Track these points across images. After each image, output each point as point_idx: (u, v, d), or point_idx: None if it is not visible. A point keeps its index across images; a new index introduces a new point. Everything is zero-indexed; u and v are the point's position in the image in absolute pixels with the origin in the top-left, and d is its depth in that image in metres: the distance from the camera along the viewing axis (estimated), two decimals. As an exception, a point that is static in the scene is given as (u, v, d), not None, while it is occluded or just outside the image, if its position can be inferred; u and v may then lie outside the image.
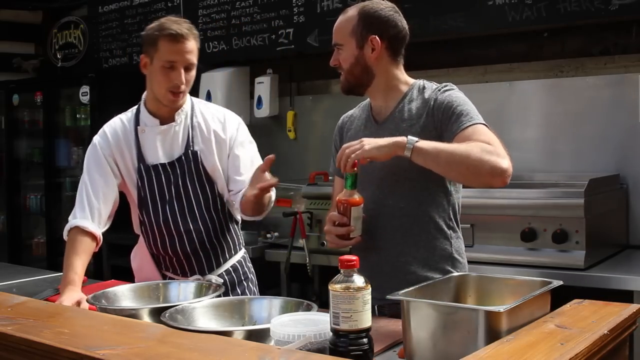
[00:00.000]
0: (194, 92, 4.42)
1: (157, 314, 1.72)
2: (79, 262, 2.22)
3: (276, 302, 1.86)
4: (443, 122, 1.98)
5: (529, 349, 1.29)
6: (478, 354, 1.28)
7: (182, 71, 2.25)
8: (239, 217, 2.49)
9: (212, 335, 1.49)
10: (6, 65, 5.71)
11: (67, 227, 2.31)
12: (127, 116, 2.43)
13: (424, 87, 2.09)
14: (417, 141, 1.87)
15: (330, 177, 3.70)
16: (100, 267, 4.63)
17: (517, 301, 1.45)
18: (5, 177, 5.51)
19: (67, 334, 1.46)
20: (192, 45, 2.26)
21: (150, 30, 2.28)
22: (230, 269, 2.45)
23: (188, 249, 2.35)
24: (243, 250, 2.55)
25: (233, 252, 2.47)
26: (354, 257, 1.44)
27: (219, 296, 1.90)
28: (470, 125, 1.93)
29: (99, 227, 2.33)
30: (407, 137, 1.88)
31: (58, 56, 5.64)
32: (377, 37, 2.05)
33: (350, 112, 2.29)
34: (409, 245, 2.01)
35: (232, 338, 1.50)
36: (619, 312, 1.53)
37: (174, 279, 2.36)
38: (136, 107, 2.43)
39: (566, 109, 3.41)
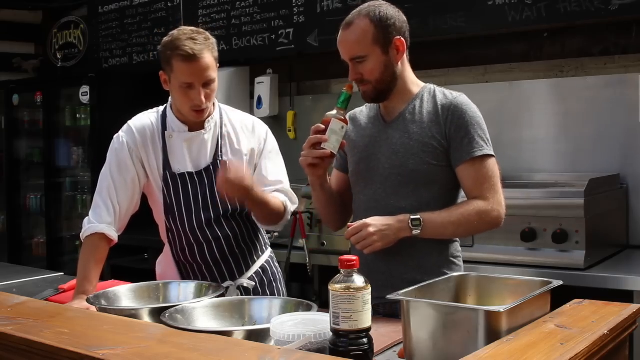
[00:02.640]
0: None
1: (157, 314, 1.72)
2: (96, 272, 2.21)
3: (276, 302, 1.86)
4: (453, 139, 2.01)
5: (529, 349, 1.29)
6: (478, 354, 1.28)
7: (201, 89, 2.17)
8: None
9: (212, 335, 1.49)
10: (6, 65, 5.70)
11: (88, 230, 2.27)
12: (154, 117, 2.35)
13: (434, 92, 2.09)
14: (421, 225, 1.95)
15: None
16: (100, 267, 4.63)
17: (517, 301, 1.45)
18: (5, 177, 5.51)
19: (67, 334, 1.46)
20: (208, 61, 2.16)
21: (164, 48, 2.20)
22: (260, 270, 2.43)
23: (217, 255, 2.32)
24: (269, 250, 2.54)
25: (260, 253, 2.45)
26: (354, 257, 1.44)
27: (219, 296, 1.90)
28: (480, 157, 2.00)
29: (117, 232, 2.30)
30: (409, 217, 1.96)
31: (58, 56, 5.64)
32: (401, 37, 2.05)
33: (356, 109, 2.29)
34: (406, 247, 2.01)
35: (232, 338, 1.50)
36: (619, 312, 1.53)
37: None
38: (162, 108, 2.36)
39: (566, 109, 3.41)
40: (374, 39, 2.02)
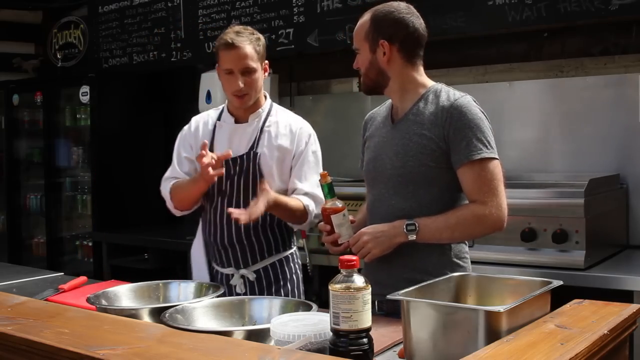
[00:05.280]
0: (195, 92, 4.45)
1: (157, 314, 1.72)
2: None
3: (276, 302, 1.86)
4: (453, 142, 2.00)
5: (529, 349, 1.29)
6: (478, 354, 1.28)
7: (240, 76, 2.38)
8: None
9: (212, 335, 1.49)
10: (6, 65, 5.71)
11: (167, 190, 2.51)
12: (214, 111, 2.61)
13: (440, 92, 2.08)
14: (416, 230, 1.98)
15: (330, 177, 3.70)
16: (100, 267, 4.64)
17: (517, 301, 1.45)
18: (5, 177, 5.51)
19: (67, 334, 1.46)
20: (248, 51, 2.38)
21: (216, 41, 2.46)
22: (277, 263, 2.51)
23: (243, 236, 2.44)
24: (293, 249, 2.60)
25: (282, 249, 2.53)
26: (354, 257, 1.44)
27: (218, 296, 1.90)
28: (479, 160, 1.98)
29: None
30: (404, 222, 1.99)
31: (58, 56, 5.65)
32: (386, 42, 2.05)
33: (376, 109, 2.32)
34: (408, 246, 2.01)
35: (232, 338, 1.50)
36: (619, 312, 1.53)
37: (220, 273, 2.50)
38: (224, 104, 2.59)
39: (566, 109, 3.41)
40: (365, 35, 2.09)
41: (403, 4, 2.11)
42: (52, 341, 1.41)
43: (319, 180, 2.09)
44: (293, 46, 4.07)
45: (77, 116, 5.01)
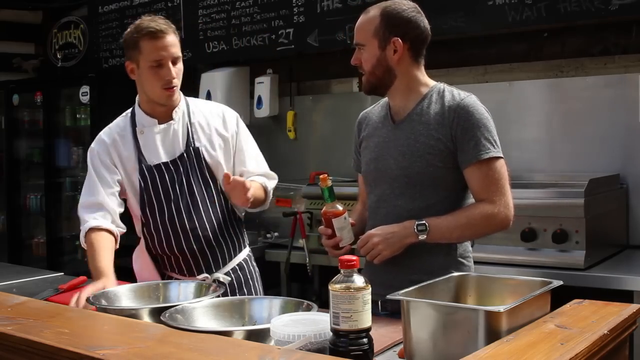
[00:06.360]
0: (195, 92, 4.45)
1: (157, 314, 1.72)
2: (105, 260, 2.18)
3: (276, 302, 1.86)
4: (460, 142, 2.01)
5: (529, 349, 1.29)
6: (478, 354, 1.28)
7: (171, 66, 2.25)
8: (242, 214, 2.50)
9: (212, 335, 1.49)
10: (6, 65, 5.70)
11: (82, 234, 2.31)
12: (122, 120, 2.43)
13: (443, 92, 2.08)
14: (427, 230, 1.97)
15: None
16: (100, 267, 4.63)
17: (517, 301, 1.45)
18: (5, 177, 5.51)
19: (67, 334, 1.46)
20: (173, 39, 2.27)
21: (129, 34, 2.30)
22: (237, 267, 2.45)
23: (194, 246, 2.35)
24: (248, 249, 2.55)
25: (238, 251, 2.47)
26: (354, 257, 1.44)
27: (218, 296, 1.90)
28: (486, 160, 1.99)
29: (113, 224, 2.32)
30: (414, 223, 1.97)
31: (58, 56, 5.64)
32: (400, 39, 2.05)
33: (370, 108, 2.30)
34: (414, 247, 2.01)
35: (232, 338, 1.50)
36: (619, 312, 1.53)
37: (179, 279, 2.35)
38: (130, 110, 2.43)
39: (566, 109, 3.41)
40: (375, 31, 2.05)
41: (411, 3, 2.10)
42: (52, 341, 1.41)
43: (319, 184, 2.04)
44: (293, 46, 4.07)
45: (77, 116, 5.01)
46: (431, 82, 2.13)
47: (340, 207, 2.04)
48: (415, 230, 1.97)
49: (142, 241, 2.44)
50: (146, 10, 4.87)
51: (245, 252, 2.52)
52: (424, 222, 1.97)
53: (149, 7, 4.84)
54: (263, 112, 4.34)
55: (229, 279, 2.35)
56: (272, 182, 2.48)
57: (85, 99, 4.81)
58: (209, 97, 4.34)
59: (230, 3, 4.36)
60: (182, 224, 2.33)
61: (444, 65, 3.69)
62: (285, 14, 4.08)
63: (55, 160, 5.15)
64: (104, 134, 2.42)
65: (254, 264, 2.56)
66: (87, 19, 5.41)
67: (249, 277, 2.48)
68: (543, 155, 3.47)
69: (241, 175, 2.34)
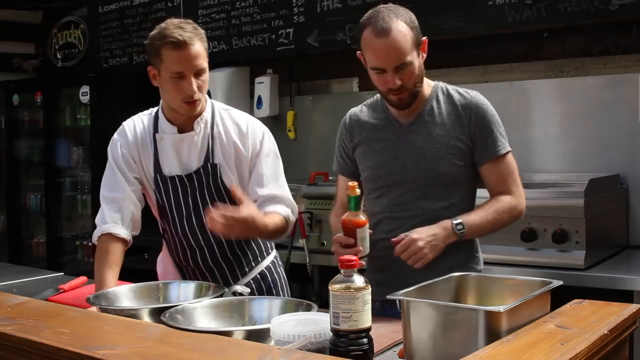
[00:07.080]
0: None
1: (157, 314, 1.72)
2: (112, 276, 2.12)
3: (276, 302, 1.86)
4: (479, 139, 2.05)
5: (529, 349, 1.29)
6: (478, 354, 1.28)
7: (193, 79, 2.10)
8: None
9: (212, 335, 1.49)
10: (6, 65, 5.70)
11: (97, 233, 2.21)
12: (147, 119, 2.30)
13: (448, 91, 2.10)
14: (463, 229, 1.97)
15: (330, 177, 3.70)
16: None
17: (517, 301, 1.45)
18: (5, 177, 5.50)
19: (67, 334, 1.46)
20: (199, 49, 2.12)
21: (152, 40, 2.15)
22: (258, 276, 2.35)
23: (210, 261, 2.27)
24: (273, 253, 2.44)
25: (260, 259, 2.36)
26: (353, 257, 1.44)
27: (218, 296, 1.90)
28: (503, 155, 2.05)
29: (129, 231, 2.23)
30: (451, 223, 1.97)
31: (58, 56, 5.64)
32: (426, 38, 2.06)
33: (355, 110, 2.24)
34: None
35: (232, 338, 1.50)
36: (619, 312, 1.53)
37: None
38: (154, 110, 2.31)
39: (566, 109, 3.41)
40: (413, 42, 1.97)
41: (395, 5, 2.08)
42: (52, 341, 1.41)
43: (347, 192, 1.88)
44: (293, 46, 4.07)
45: (77, 116, 5.01)
46: (431, 82, 2.13)
47: (363, 217, 1.92)
48: (455, 229, 1.97)
49: (165, 247, 2.39)
50: (146, 10, 4.87)
51: (270, 258, 2.41)
52: (459, 220, 1.98)
53: (149, 7, 4.84)
54: (263, 112, 4.34)
55: (248, 290, 2.18)
56: (294, 215, 2.27)
57: (85, 99, 4.81)
58: (208, 97, 4.34)
59: (230, 3, 4.36)
60: (196, 240, 2.25)
61: (444, 65, 3.69)
62: (285, 14, 4.08)
63: (55, 160, 5.15)
64: (127, 129, 2.29)
65: (280, 270, 2.44)
66: (87, 19, 5.41)
67: (271, 285, 2.37)
68: (543, 155, 3.47)
69: (255, 201, 2.16)
